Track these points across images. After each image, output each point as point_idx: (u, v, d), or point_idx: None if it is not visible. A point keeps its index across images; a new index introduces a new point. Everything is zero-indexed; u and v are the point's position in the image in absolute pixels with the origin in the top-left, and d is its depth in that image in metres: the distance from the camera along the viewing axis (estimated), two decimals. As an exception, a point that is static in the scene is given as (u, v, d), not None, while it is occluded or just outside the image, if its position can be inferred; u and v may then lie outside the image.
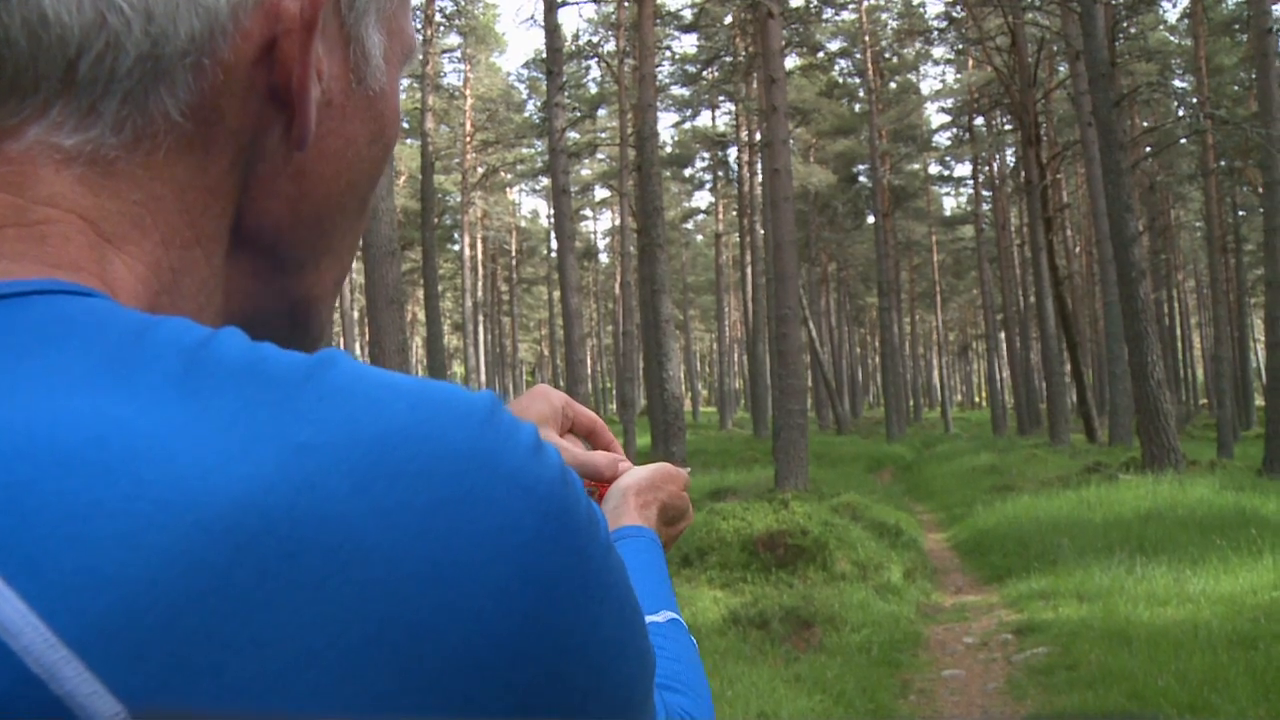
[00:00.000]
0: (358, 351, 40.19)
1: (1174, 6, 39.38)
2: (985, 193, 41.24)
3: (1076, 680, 6.24)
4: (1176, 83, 36.09)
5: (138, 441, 0.33)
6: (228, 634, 0.32)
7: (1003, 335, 41.61)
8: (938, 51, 43.35)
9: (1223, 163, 32.28)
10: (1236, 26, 34.90)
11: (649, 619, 0.83)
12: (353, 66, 0.49)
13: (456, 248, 50.01)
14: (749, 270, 39.06)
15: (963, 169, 53.82)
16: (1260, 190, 22.98)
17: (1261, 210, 21.97)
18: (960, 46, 36.87)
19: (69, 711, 0.30)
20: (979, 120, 39.54)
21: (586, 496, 0.40)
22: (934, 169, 50.11)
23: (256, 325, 0.49)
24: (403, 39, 0.52)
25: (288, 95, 0.45)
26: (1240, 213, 38.48)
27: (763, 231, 30.24)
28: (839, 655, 7.20)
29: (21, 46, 0.41)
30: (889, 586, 9.40)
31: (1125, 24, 30.99)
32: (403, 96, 0.53)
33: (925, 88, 67.35)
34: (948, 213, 55.82)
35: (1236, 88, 36.58)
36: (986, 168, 40.69)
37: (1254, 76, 25.79)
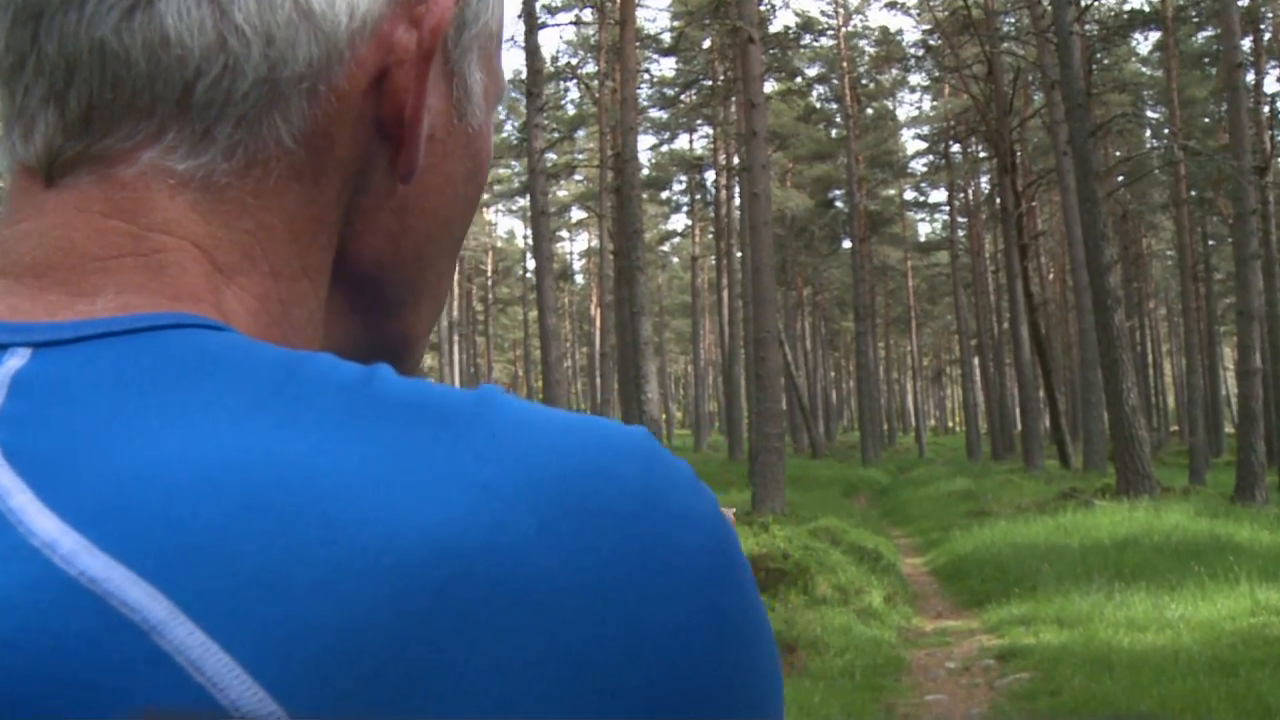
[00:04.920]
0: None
1: (1146, 39, 39.88)
2: (960, 219, 41.65)
3: (1060, 706, 6.26)
4: (1149, 113, 36.56)
5: (320, 482, 0.33)
6: (431, 681, 0.31)
7: (977, 361, 41.92)
8: (915, 79, 43.85)
9: (1194, 193, 32.70)
10: (1206, 60, 35.44)
11: None
12: (455, 102, 0.48)
13: (432, 267, 49.86)
14: (725, 294, 39.19)
15: (938, 195, 54.16)
16: (1231, 221, 23.30)
17: (1231, 240, 22.27)
18: (937, 74, 37.19)
19: None
20: (955, 147, 39.95)
21: (734, 529, 0.40)
22: (910, 195, 50.57)
23: (355, 361, 0.49)
24: (497, 80, 0.52)
25: (395, 127, 0.45)
26: (1210, 242, 39.03)
27: (740, 255, 30.37)
28: (823, 679, 7.20)
29: (140, 68, 0.40)
30: (870, 611, 9.41)
31: (1099, 55, 31.45)
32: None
33: (902, 114, 67.71)
34: (923, 238, 56.29)
35: (1207, 120, 37.10)
36: (962, 194, 41.11)
37: (1224, 109, 26.20)
